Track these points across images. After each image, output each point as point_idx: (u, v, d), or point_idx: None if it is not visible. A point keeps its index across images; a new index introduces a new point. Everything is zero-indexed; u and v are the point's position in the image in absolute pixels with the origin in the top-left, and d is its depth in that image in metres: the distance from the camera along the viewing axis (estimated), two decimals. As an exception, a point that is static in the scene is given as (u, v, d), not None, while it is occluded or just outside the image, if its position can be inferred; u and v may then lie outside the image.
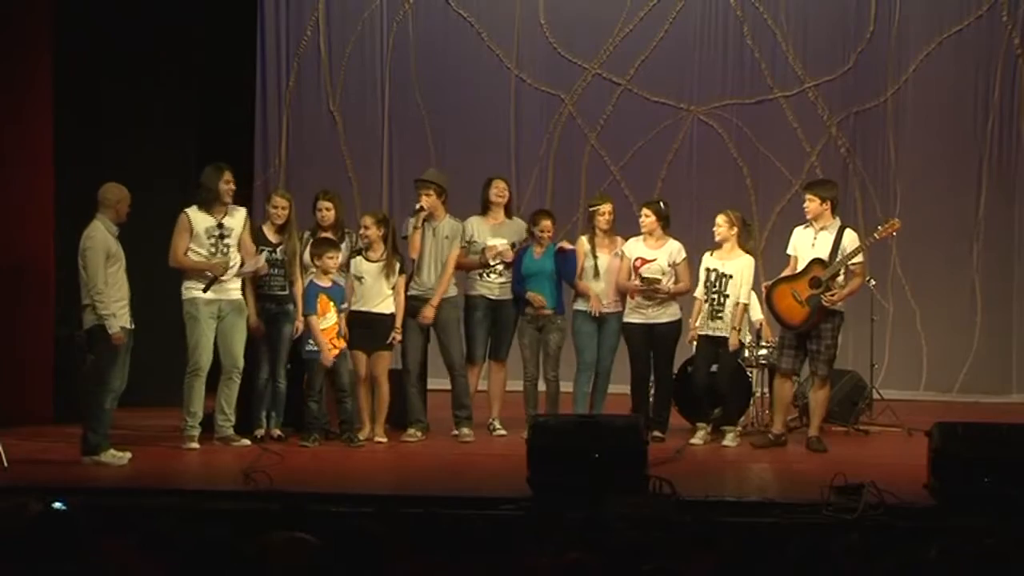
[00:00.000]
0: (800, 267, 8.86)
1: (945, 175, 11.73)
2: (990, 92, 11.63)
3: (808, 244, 8.88)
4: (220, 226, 8.73)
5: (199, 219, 8.73)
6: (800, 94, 11.88)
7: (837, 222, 8.93)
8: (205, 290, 8.65)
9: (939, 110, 11.74)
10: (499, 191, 9.37)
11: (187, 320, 8.71)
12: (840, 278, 8.79)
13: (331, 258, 8.91)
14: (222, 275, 8.68)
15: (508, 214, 9.45)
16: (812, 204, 8.89)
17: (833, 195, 9.01)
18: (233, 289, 8.82)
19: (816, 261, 8.77)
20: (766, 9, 11.86)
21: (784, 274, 9.01)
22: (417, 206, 9.15)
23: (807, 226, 8.96)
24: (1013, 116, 11.64)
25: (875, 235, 9.02)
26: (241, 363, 8.83)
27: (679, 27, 11.95)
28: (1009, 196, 11.66)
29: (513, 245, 9.29)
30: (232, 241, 8.78)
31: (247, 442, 8.81)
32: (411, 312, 9.13)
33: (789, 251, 9.04)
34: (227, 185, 8.76)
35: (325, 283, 8.95)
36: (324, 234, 9.20)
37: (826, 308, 8.72)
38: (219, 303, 8.74)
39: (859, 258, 8.83)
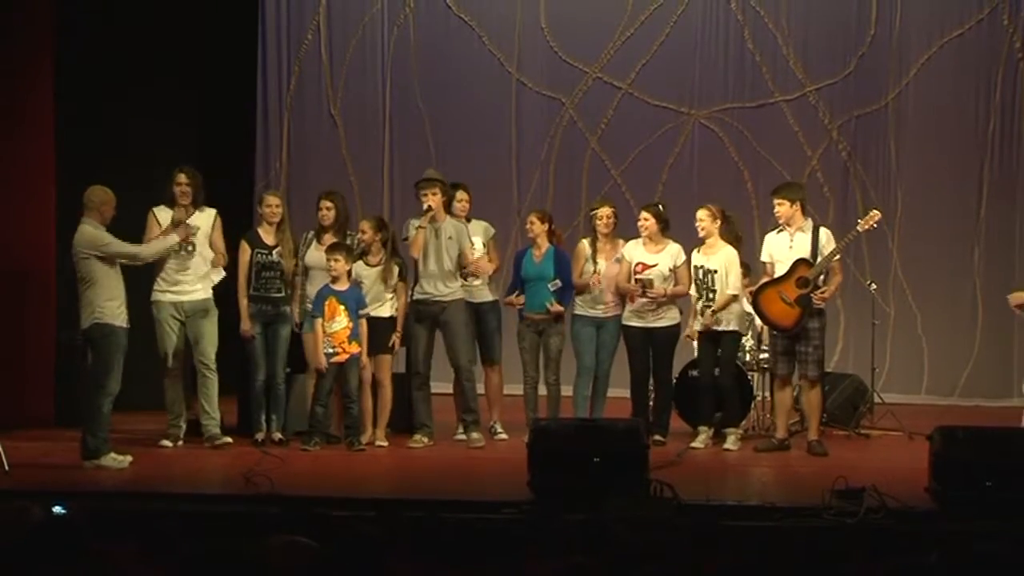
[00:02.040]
0: (780, 271, 8.86)
1: (946, 178, 11.73)
2: (991, 95, 11.64)
3: (785, 247, 8.89)
4: (186, 225, 8.78)
5: (164, 217, 8.82)
6: (801, 98, 11.89)
7: (810, 222, 8.96)
8: (181, 246, 8.69)
9: (940, 114, 11.74)
10: (460, 201, 9.35)
11: (154, 322, 8.84)
12: (822, 277, 8.81)
13: (334, 261, 8.89)
14: (184, 227, 8.72)
15: (468, 219, 9.44)
16: (782, 208, 8.90)
17: (801, 196, 9.03)
18: (198, 289, 8.88)
19: (801, 261, 8.77)
20: (767, 13, 11.87)
21: (764, 280, 9.00)
22: (425, 206, 9.04)
23: (780, 230, 8.97)
24: (1014, 119, 11.64)
25: (857, 228, 9.01)
26: (210, 361, 8.88)
27: (680, 31, 11.96)
28: (1010, 199, 11.66)
29: (484, 246, 9.33)
30: (198, 240, 8.82)
31: (229, 440, 8.86)
32: (417, 316, 9.08)
33: (764, 258, 9.02)
34: (178, 187, 8.84)
35: (338, 287, 8.92)
36: (325, 234, 9.20)
37: (813, 309, 8.73)
38: (182, 304, 8.84)
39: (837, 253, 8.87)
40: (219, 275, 9.05)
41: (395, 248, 9.22)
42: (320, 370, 8.86)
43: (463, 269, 9.13)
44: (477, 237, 9.33)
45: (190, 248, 8.78)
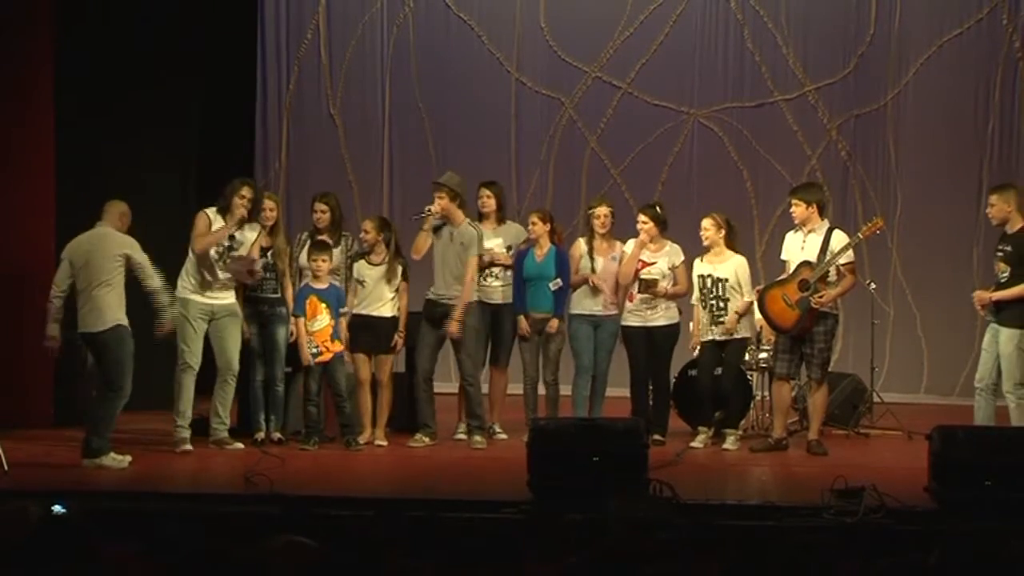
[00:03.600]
0: (790, 271, 8.87)
1: (946, 178, 11.74)
2: (990, 95, 11.65)
3: (798, 248, 8.90)
4: (231, 237, 8.76)
5: (217, 223, 8.77)
6: (800, 97, 11.90)
7: (826, 224, 8.95)
8: (220, 256, 8.69)
9: (940, 113, 11.74)
10: (481, 199, 9.37)
11: (177, 320, 8.72)
12: (833, 278, 8.79)
13: (317, 261, 8.92)
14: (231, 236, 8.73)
15: (501, 219, 9.44)
16: (798, 209, 8.91)
17: (818, 198, 9.01)
18: (227, 295, 8.84)
19: (804, 264, 8.78)
20: (766, 12, 11.88)
21: (773, 280, 9.02)
22: (427, 209, 9.04)
23: (797, 230, 8.99)
24: (1014, 119, 11.65)
25: (859, 235, 8.99)
26: (235, 366, 8.84)
27: (680, 30, 11.97)
28: (1009, 199, 11.64)
29: (509, 248, 9.30)
30: (240, 252, 8.80)
31: (240, 445, 8.82)
32: (426, 316, 9.07)
33: (783, 256, 9.07)
34: (240, 199, 8.74)
35: (319, 285, 8.94)
36: (320, 236, 9.22)
37: (817, 310, 8.72)
38: (212, 307, 8.77)
39: (849, 258, 8.83)
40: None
41: (398, 248, 9.21)
42: (306, 365, 8.91)
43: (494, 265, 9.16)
44: (498, 239, 9.30)
45: (228, 262, 8.77)
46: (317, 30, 12.27)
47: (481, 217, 9.36)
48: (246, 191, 8.79)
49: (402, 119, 12.28)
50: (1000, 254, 8.30)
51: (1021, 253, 8.19)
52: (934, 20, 11.73)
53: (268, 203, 9.22)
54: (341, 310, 8.96)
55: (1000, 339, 8.19)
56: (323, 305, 8.91)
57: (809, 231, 8.89)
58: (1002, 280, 8.25)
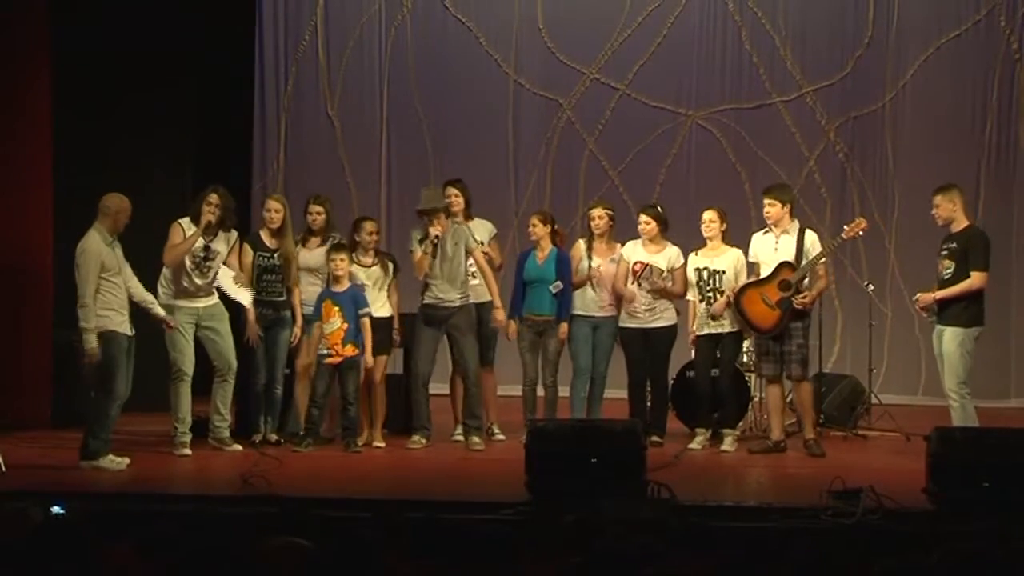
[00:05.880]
0: (765, 272, 8.85)
1: (943, 179, 11.61)
2: (988, 97, 11.65)
3: (771, 249, 8.88)
4: (207, 248, 8.70)
5: (192, 233, 8.70)
6: (798, 99, 11.90)
7: (796, 224, 8.94)
8: (196, 264, 8.64)
9: (937, 115, 11.75)
10: (448, 197, 9.25)
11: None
12: (805, 280, 8.80)
13: (335, 261, 8.88)
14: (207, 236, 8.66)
15: (469, 216, 9.41)
16: (773, 208, 8.89)
17: (791, 198, 9.03)
18: (211, 298, 8.79)
19: (784, 264, 8.77)
20: (764, 14, 11.88)
21: (749, 280, 8.99)
22: (433, 235, 8.92)
23: (766, 231, 8.97)
24: (1011, 121, 11.65)
25: (842, 235, 9.01)
26: (234, 364, 8.82)
27: (677, 32, 11.97)
28: (1007, 201, 11.66)
29: (480, 243, 9.31)
30: (215, 264, 8.76)
31: (239, 447, 8.80)
32: (426, 320, 9.06)
33: (750, 258, 9.01)
34: (207, 206, 8.63)
35: (336, 288, 8.90)
36: (313, 237, 9.20)
37: (796, 309, 8.73)
38: (197, 310, 8.72)
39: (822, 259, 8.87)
40: (247, 297, 8.94)
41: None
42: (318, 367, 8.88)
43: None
44: (480, 236, 9.31)
45: (205, 270, 8.72)
46: (315, 31, 12.27)
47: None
48: (213, 197, 8.66)
49: (400, 120, 12.28)
50: (945, 252, 8.43)
51: (967, 250, 8.34)
52: (932, 22, 11.73)
53: (275, 204, 9.18)
54: (361, 311, 8.90)
55: (943, 338, 8.32)
56: (336, 308, 8.88)
57: (782, 232, 8.88)
58: (946, 277, 8.38)
